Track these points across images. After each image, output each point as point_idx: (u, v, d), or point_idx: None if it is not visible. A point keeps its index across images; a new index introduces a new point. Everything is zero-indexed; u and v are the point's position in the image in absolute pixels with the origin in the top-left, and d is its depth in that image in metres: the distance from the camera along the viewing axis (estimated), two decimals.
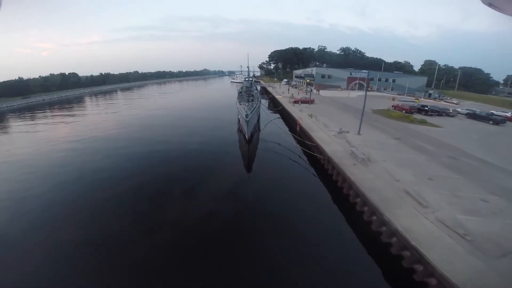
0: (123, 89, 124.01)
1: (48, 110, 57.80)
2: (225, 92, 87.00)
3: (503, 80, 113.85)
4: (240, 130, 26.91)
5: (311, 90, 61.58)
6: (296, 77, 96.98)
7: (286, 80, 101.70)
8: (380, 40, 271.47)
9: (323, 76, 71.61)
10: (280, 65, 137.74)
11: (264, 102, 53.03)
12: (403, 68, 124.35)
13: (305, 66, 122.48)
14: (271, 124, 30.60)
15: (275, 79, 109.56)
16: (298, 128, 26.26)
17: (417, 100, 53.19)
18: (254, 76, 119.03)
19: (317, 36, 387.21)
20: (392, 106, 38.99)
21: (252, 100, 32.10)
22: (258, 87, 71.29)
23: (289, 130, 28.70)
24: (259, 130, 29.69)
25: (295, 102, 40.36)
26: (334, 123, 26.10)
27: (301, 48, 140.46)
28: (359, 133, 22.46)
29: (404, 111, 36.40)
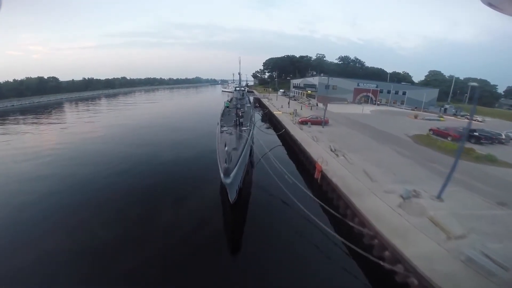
0: (108, 96, 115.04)
1: (20, 117, 49.82)
2: (213, 103, 76.65)
3: (503, 91, 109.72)
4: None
5: (317, 105, 52.12)
6: (294, 87, 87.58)
7: (283, 90, 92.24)
8: (371, 51, 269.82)
9: (326, 87, 62.05)
10: (275, 74, 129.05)
11: (257, 118, 42.38)
12: (405, 79, 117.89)
13: (302, 75, 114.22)
14: (269, 157, 18.40)
15: (270, 89, 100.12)
16: (318, 176, 16.11)
17: (442, 119, 44.44)
18: (247, 85, 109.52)
19: (310, 46, 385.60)
20: (430, 130, 29.51)
21: (242, 123, 21.35)
22: (251, 98, 60.88)
23: (301, 174, 18.53)
24: (252, 166, 19.49)
25: (303, 122, 30.40)
26: (380, 169, 16.07)
27: (297, 56, 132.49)
28: (439, 197, 12.47)
29: (449, 138, 26.93)
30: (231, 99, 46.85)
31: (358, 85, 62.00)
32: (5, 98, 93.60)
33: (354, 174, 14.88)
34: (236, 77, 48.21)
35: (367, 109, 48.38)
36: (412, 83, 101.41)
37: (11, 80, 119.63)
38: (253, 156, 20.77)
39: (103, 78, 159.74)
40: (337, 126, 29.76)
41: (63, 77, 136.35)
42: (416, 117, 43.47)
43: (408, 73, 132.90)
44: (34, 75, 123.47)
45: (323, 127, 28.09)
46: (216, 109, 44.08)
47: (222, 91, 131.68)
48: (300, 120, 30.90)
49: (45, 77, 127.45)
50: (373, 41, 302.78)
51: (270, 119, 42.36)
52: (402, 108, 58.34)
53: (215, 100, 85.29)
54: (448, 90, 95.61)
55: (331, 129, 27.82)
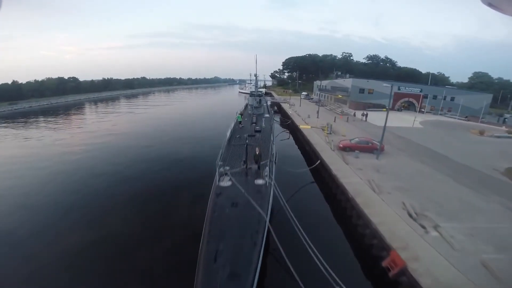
0: (126, 96, 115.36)
1: (41, 119, 52.79)
2: (229, 105, 70.15)
3: None
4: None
5: (354, 114, 43.70)
6: (320, 90, 78.84)
7: (306, 93, 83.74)
8: (396, 50, 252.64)
9: (361, 91, 53.47)
10: (296, 75, 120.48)
11: (277, 130, 33.72)
12: (442, 81, 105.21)
13: (326, 76, 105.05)
14: (297, 231, 10.15)
15: (290, 91, 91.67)
16: (394, 273, 8.73)
17: None
18: (265, 86, 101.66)
19: (331, 45, 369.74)
20: None
21: (259, 168, 13.64)
22: (268, 102, 52.21)
23: (361, 268, 10.66)
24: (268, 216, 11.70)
25: (345, 148, 22.00)
26: (505, 256, 8.49)
27: (320, 56, 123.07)
28: None
29: None
30: (245, 107, 39.54)
31: (399, 89, 52.62)
32: (25, 99, 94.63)
33: (468, 274, 7.47)
34: (253, 77, 40.80)
35: (418, 118, 39.33)
36: (452, 86, 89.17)
37: (32, 81, 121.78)
38: (270, 201, 11.67)
39: (124, 78, 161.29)
40: (396, 155, 21.21)
41: (86, 77, 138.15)
42: (482, 133, 34.19)
43: (443, 74, 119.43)
44: (63, 75, 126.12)
45: (377, 158, 19.81)
46: (231, 111, 38.71)
47: (239, 92, 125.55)
48: (341, 145, 22.44)
49: (65, 77, 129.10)
50: (397, 40, 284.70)
51: (295, 136, 33.54)
52: (454, 118, 48.50)
53: (231, 102, 79.05)
54: (496, 94, 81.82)
55: (391, 161, 19.38)
